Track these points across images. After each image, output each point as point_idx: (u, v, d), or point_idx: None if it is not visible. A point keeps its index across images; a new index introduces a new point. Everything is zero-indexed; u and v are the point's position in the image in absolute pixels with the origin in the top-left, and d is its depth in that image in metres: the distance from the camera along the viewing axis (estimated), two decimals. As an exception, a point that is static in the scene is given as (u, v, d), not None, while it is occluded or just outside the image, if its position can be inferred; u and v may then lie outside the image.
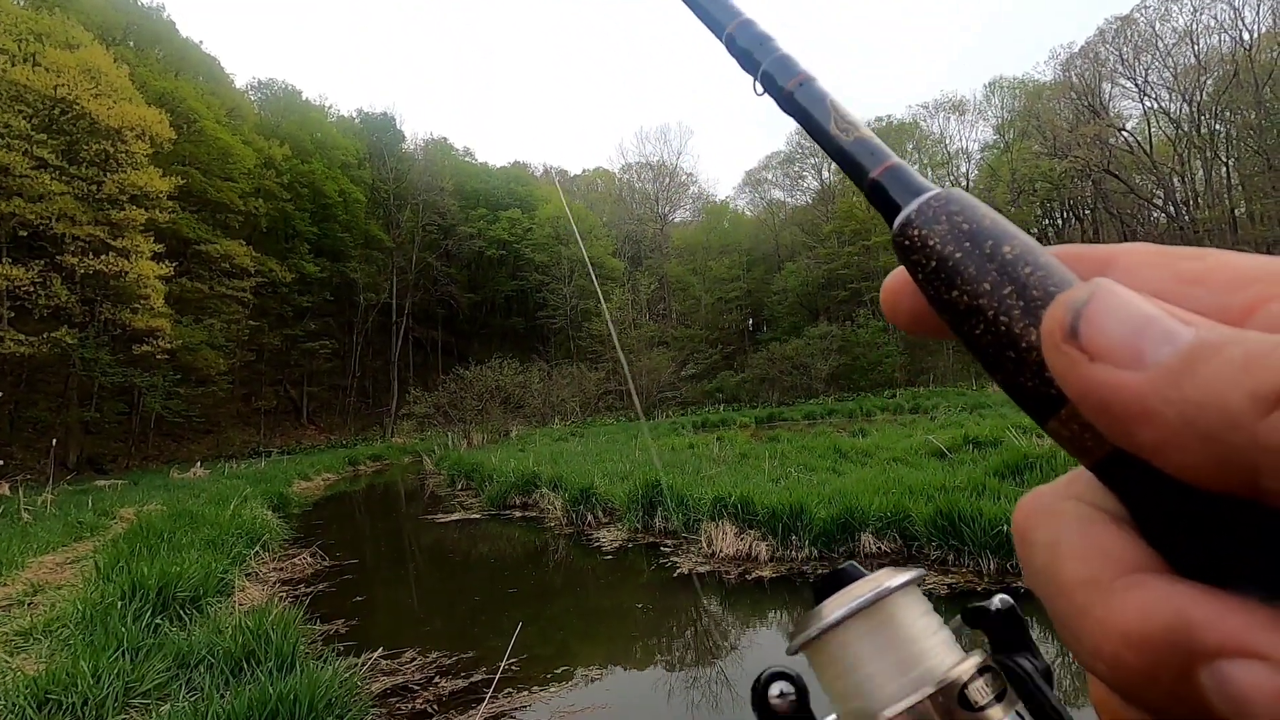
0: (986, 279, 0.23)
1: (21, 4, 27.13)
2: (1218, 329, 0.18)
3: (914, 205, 0.26)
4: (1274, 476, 0.15)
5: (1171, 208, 45.55)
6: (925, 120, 55.69)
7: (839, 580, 0.29)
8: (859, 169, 0.28)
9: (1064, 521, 0.20)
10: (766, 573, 6.52)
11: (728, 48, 0.34)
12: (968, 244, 0.24)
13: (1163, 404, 0.17)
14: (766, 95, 0.32)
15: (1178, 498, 0.18)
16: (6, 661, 4.62)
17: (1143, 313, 0.19)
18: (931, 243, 0.25)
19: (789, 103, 0.31)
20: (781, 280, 55.95)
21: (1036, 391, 0.21)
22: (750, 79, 0.33)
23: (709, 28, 0.36)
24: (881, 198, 0.27)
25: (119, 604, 5.36)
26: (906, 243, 0.25)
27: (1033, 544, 0.21)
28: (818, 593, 0.30)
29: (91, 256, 24.95)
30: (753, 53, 0.33)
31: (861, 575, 0.28)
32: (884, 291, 0.27)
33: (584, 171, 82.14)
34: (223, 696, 3.75)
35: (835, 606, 0.27)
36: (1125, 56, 46.26)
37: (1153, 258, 0.23)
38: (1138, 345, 0.18)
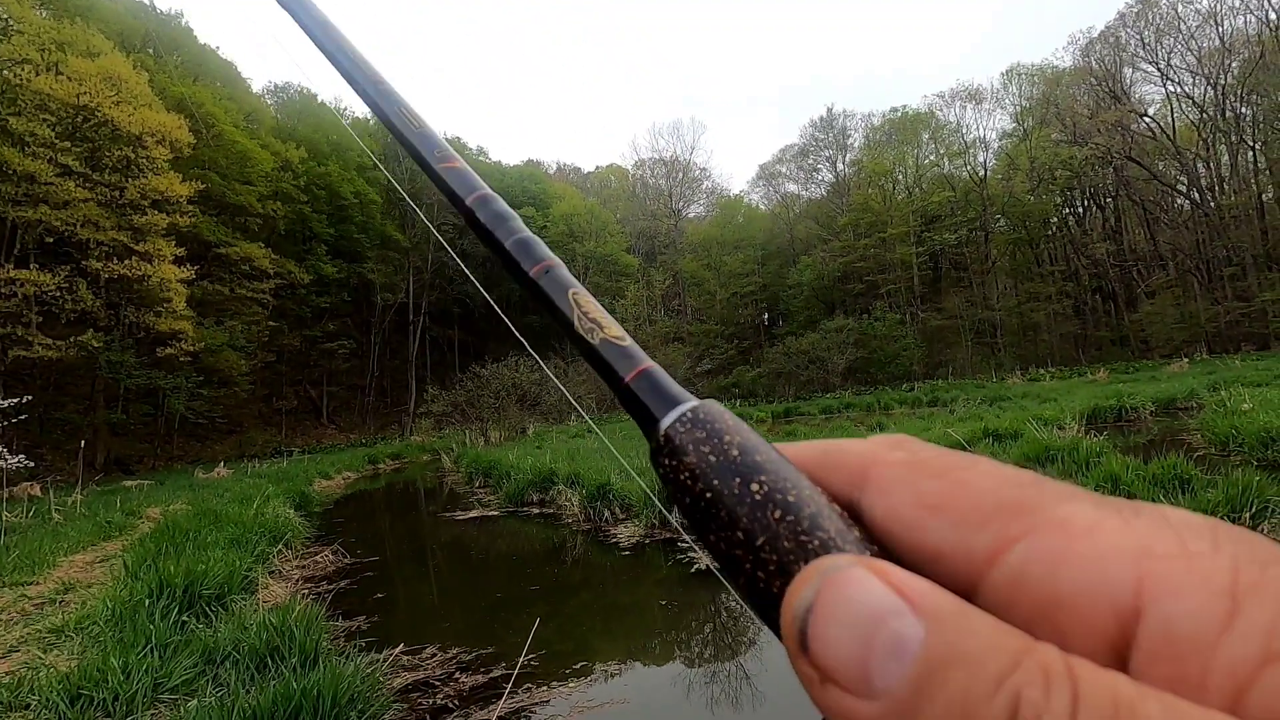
0: (739, 527, 0.22)
1: (44, 15, 27.62)
2: (946, 631, 0.16)
3: (665, 423, 0.25)
4: None
5: (1196, 194, 44.63)
6: (941, 110, 55.00)
7: None
8: (609, 371, 0.27)
9: None
10: (784, 568, 6.51)
11: (468, 221, 0.33)
12: (716, 481, 0.23)
13: None
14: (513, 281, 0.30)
15: None
16: (40, 658, 4.73)
17: (870, 613, 0.17)
18: (683, 477, 0.23)
19: (532, 288, 0.30)
20: (797, 274, 55.65)
21: None
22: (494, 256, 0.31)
23: (449, 200, 0.34)
24: (635, 406, 0.26)
25: (147, 602, 5.46)
26: (662, 472, 0.24)
27: None
28: None
29: (115, 261, 25.42)
30: (494, 231, 0.32)
31: None
32: None
33: (597, 168, 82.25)
34: (248, 692, 3.82)
35: None
36: (1146, 40, 45.36)
37: (902, 473, 0.22)
38: (865, 666, 0.17)
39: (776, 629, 0.21)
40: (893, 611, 0.17)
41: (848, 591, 0.18)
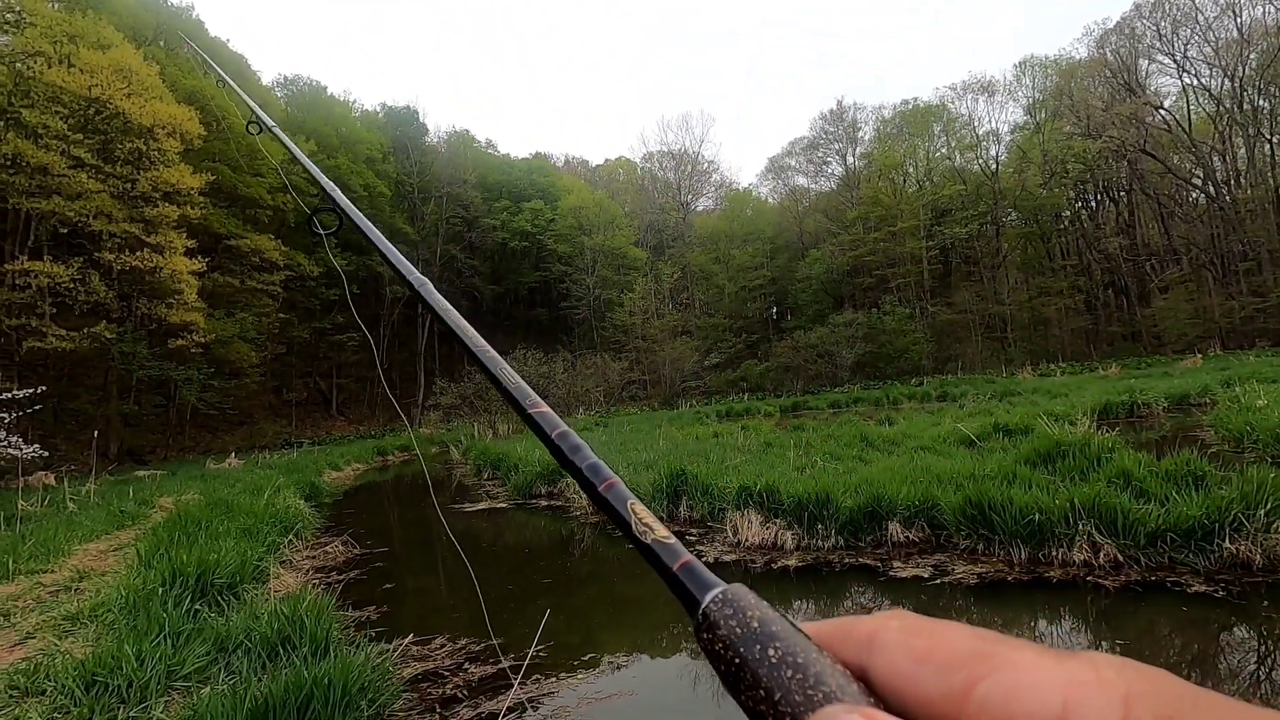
0: (761, 686, 0.27)
1: (56, 7, 27.73)
2: None
3: (704, 604, 0.31)
4: None
5: (1211, 188, 44.04)
6: (953, 102, 54.43)
7: None
8: (660, 562, 0.34)
9: None
10: (792, 561, 6.50)
11: (551, 449, 0.43)
12: (743, 649, 0.28)
13: None
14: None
15: None
16: (56, 645, 4.80)
17: None
18: (717, 648, 0.29)
19: (601, 502, 0.38)
20: (805, 268, 55.37)
21: None
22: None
23: (538, 436, 0.44)
24: (680, 590, 0.33)
25: (160, 590, 5.52)
26: (703, 646, 0.30)
27: None
28: None
29: (127, 253, 25.58)
30: (572, 458, 0.40)
31: None
32: None
33: (605, 161, 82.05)
34: (260, 680, 3.85)
35: None
36: (1163, 31, 44.72)
37: (898, 637, 0.28)
38: None
39: None
40: None
41: None
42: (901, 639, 0.28)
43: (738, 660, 0.28)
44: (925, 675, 0.26)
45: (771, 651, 0.27)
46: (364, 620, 5.87)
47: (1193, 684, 0.23)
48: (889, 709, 0.27)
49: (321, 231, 1.08)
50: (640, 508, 0.37)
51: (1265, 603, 4.48)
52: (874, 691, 0.27)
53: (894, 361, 42.55)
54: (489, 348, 0.54)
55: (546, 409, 0.44)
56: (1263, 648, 4.06)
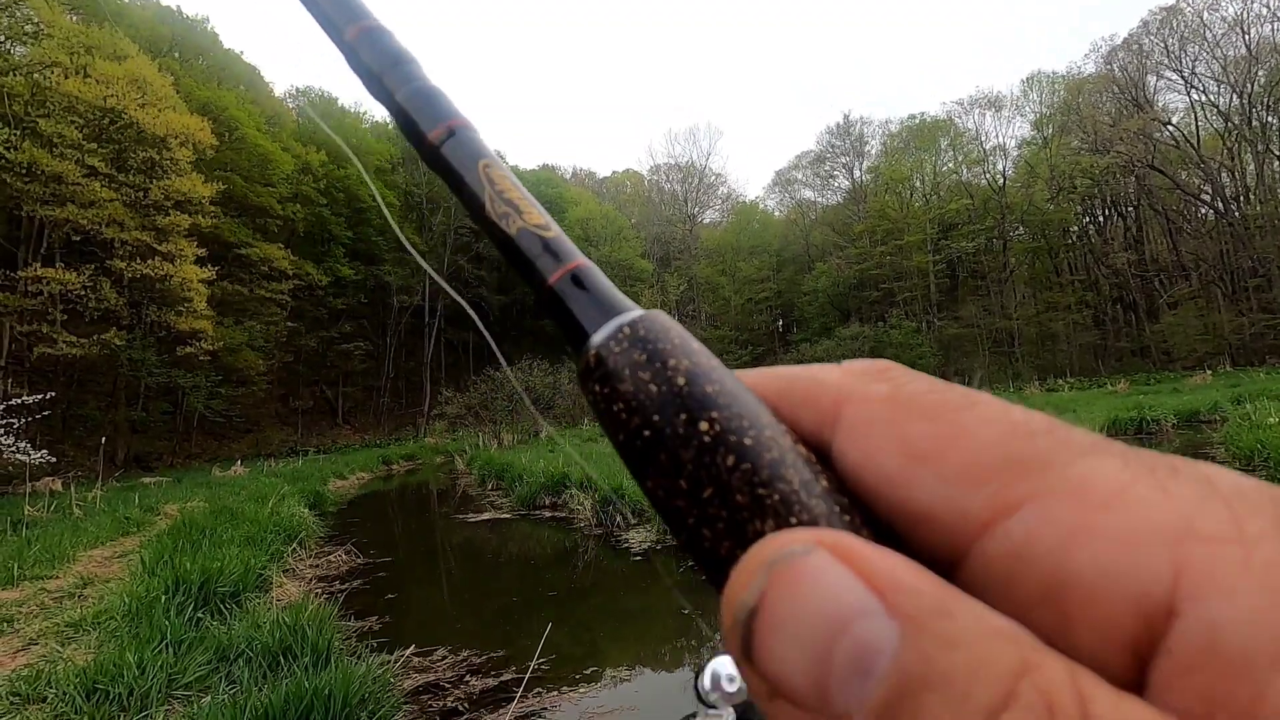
0: (682, 474, 0.17)
1: (74, 19, 28.18)
2: (924, 640, 0.12)
3: (597, 340, 0.20)
4: None
5: (1220, 204, 43.92)
6: (960, 117, 54.61)
7: None
8: (529, 268, 0.21)
9: None
10: (797, 576, 6.45)
11: (348, 61, 0.24)
12: (656, 417, 0.18)
13: None
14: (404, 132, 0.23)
15: None
16: (58, 651, 4.79)
17: (830, 618, 0.13)
18: (617, 409, 0.19)
19: (431, 155, 0.23)
20: (812, 281, 55.42)
21: None
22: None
23: (323, 28, 0.25)
24: (562, 315, 0.21)
25: (163, 598, 5.51)
26: (591, 400, 0.20)
27: None
28: None
29: (138, 261, 25.85)
30: (382, 77, 0.23)
31: None
32: None
33: (613, 174, 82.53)
34: (261, 690, 3.83)
35: None
36: (1171, 48, 44.80)
37: (885, 413, 0.18)
38: (823, 683, 0.13)
39: (714, 582, 0.17)
40: (859, 611, 0.13)
41: (802, 590, 0.14)
42: (891, 419, 0.18)
43: (647, 433, 0.18)
44: (925, 482, 0.16)
45: (705, 425, 0.17)
46: (366, 630, 5.85)
47: None
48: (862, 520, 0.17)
49: None
50: (503, 173, 0.23)
51: None
52: (844, 482, 0.18)
53: (900, 375, 42.41)
54: None
55: None
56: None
